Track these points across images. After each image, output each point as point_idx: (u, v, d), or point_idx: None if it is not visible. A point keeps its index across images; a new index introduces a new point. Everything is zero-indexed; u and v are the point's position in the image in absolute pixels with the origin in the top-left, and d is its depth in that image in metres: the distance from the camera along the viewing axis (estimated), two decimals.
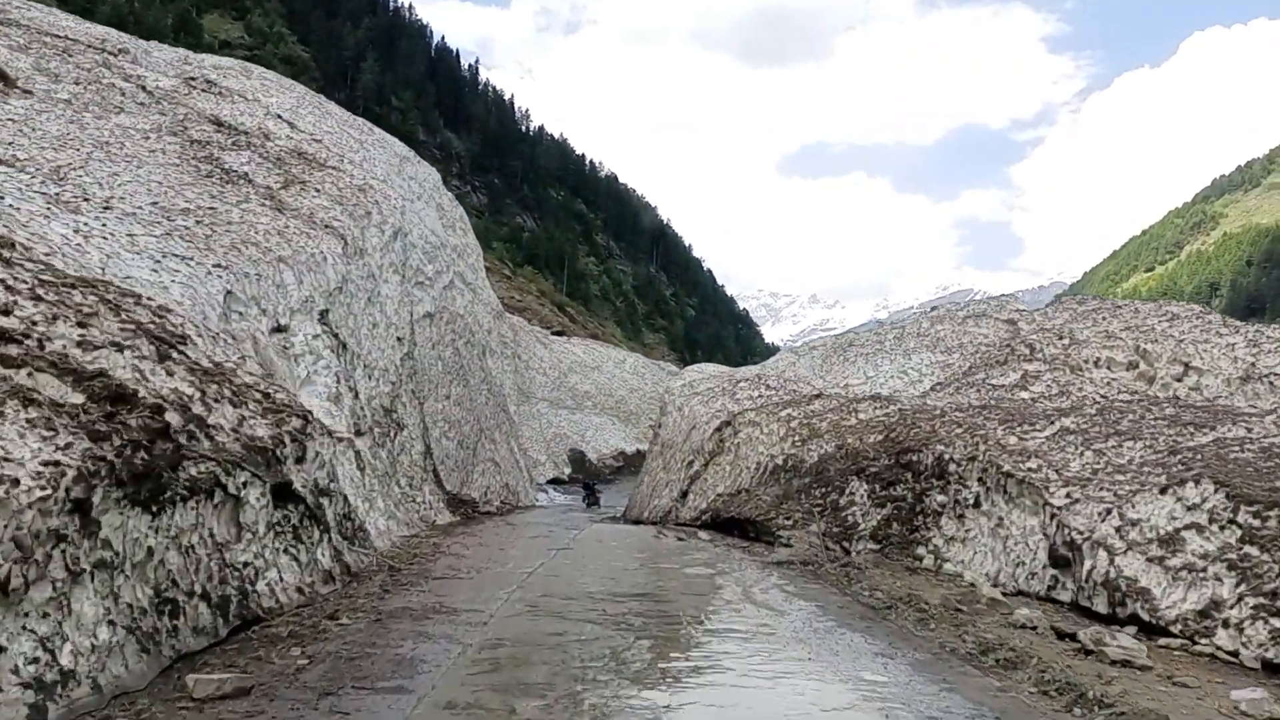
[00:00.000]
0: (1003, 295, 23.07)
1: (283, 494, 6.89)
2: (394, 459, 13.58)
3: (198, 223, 10.92)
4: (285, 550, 6.89)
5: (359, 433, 11.58)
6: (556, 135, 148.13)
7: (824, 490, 12.97)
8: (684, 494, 19.57)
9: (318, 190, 14.40)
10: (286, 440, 6.97)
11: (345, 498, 8.52)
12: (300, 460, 7.19)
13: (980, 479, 9.77)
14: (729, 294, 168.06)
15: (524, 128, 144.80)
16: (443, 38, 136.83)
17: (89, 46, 17.41)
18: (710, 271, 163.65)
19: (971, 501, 9.79)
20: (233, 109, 18.61)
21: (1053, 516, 8.60)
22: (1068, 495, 8.69)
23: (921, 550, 10.13)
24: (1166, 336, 15.47)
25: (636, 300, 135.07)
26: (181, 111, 16.73)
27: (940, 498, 10.35)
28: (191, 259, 9.33)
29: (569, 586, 8.45)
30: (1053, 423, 10.53)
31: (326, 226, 13.41)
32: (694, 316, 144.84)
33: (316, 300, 11.62)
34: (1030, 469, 9.28)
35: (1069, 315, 18.83)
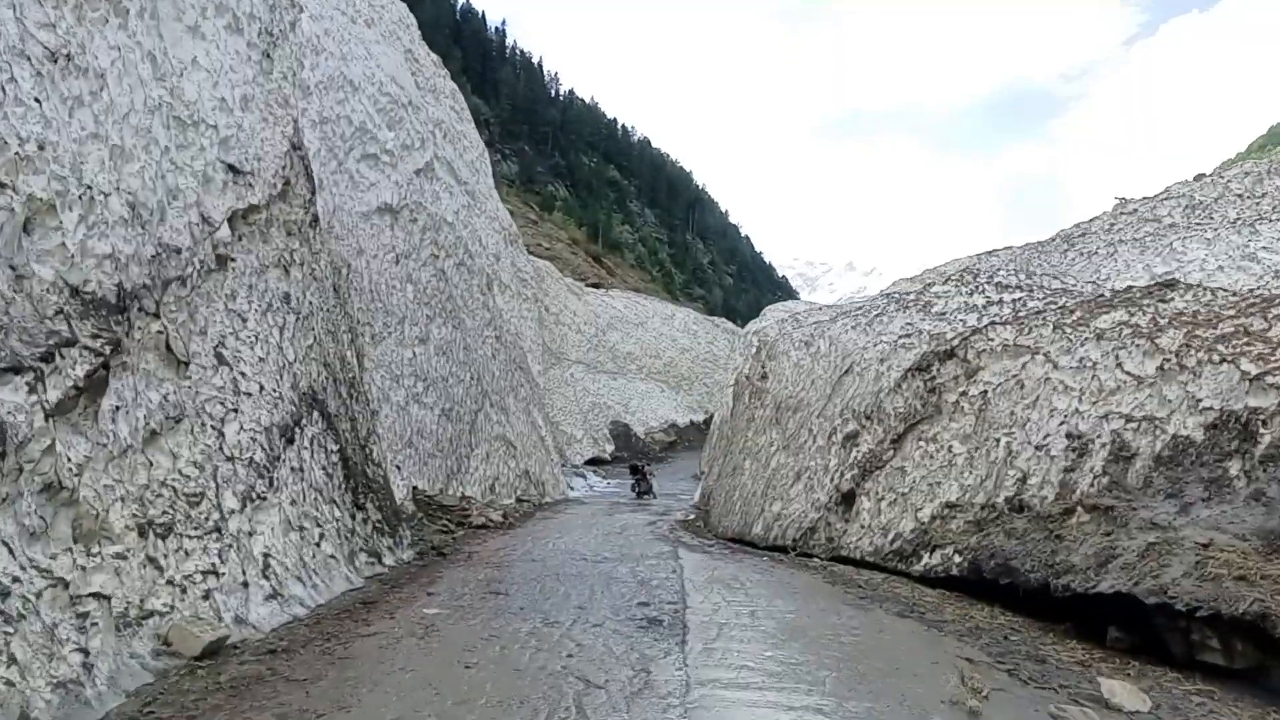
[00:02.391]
0: None
1: None
2: None
3: None
4: None
5: None
6: (588, 100, 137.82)
7: None
8: (846, 498, 9.59)
9: None
10: None
11: None
12: None
13: None
14: (767, 261, 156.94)
15: (554, 92, 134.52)
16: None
17: None
18: (748, 238, 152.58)
19: None
20: None
21: None
22: None
23: None
24: None
25: (673, 268, 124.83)
26: None
27: None
28: None
29: None
30: None
31: None
32: (732, 284, 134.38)
33: None
34: None
35: None
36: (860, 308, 12.00)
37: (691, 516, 17.18)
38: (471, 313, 18.52)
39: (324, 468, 7.68)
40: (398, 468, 12.94)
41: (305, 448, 7.29)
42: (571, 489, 24.84)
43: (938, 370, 8.79)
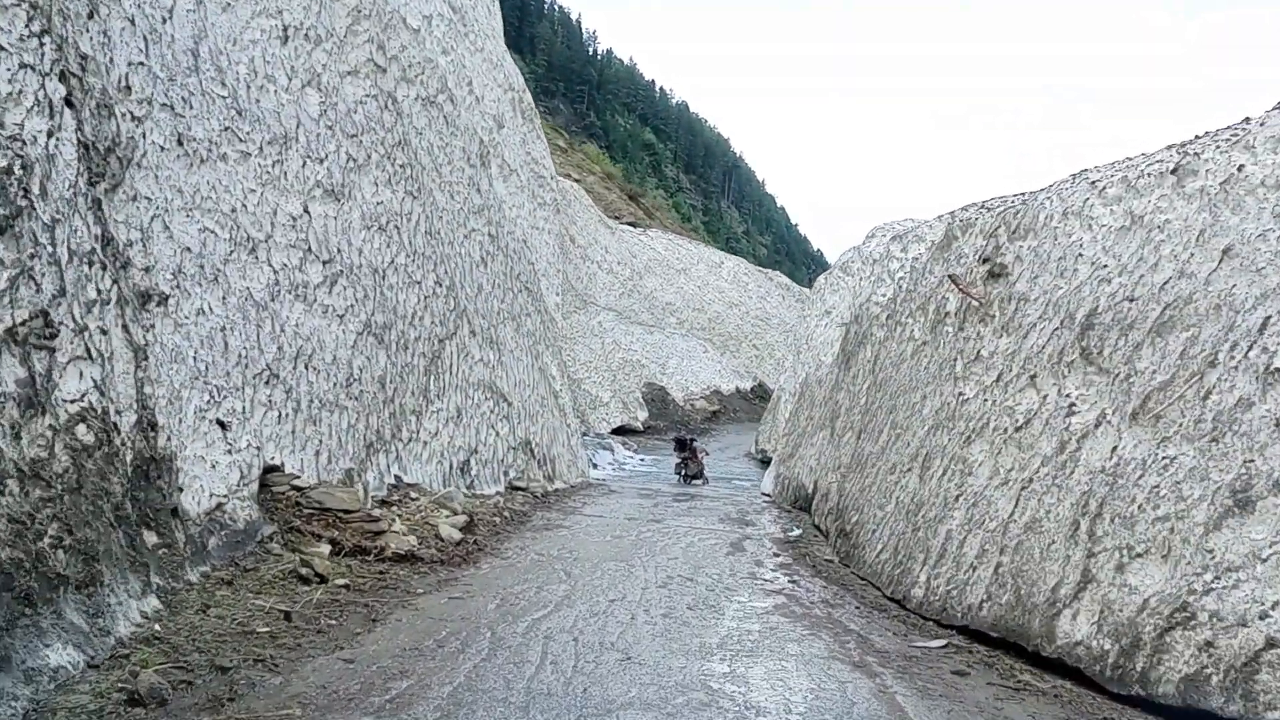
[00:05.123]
0: None
1: None
2: None
3: None
4: None
5: None
6: (626, 60, 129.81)
7: None
8: None
9: None
10: None
11: None
12: None
13: None
14: (803, 234, 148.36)
15: (592, 51, 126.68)
16: None
17: None
18: (784, 209, 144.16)
19: None
20: None
21: None
22: None
23: None
24: None
25: (707, 236, 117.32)
26: None
27: None
28: None
29: None
30: None
31: None
32: (766, 255, 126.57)
33: None
34: None
35: None
36: None
37: (794, 532, 9.84)
38: (449, 186, 11.20)
39: None
40: (220, 424, 5.69)
41: None
42: (594, 466, 17.62)
43: None
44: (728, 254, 39.10)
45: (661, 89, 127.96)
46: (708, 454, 18.37)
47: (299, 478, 6.36)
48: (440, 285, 10.13)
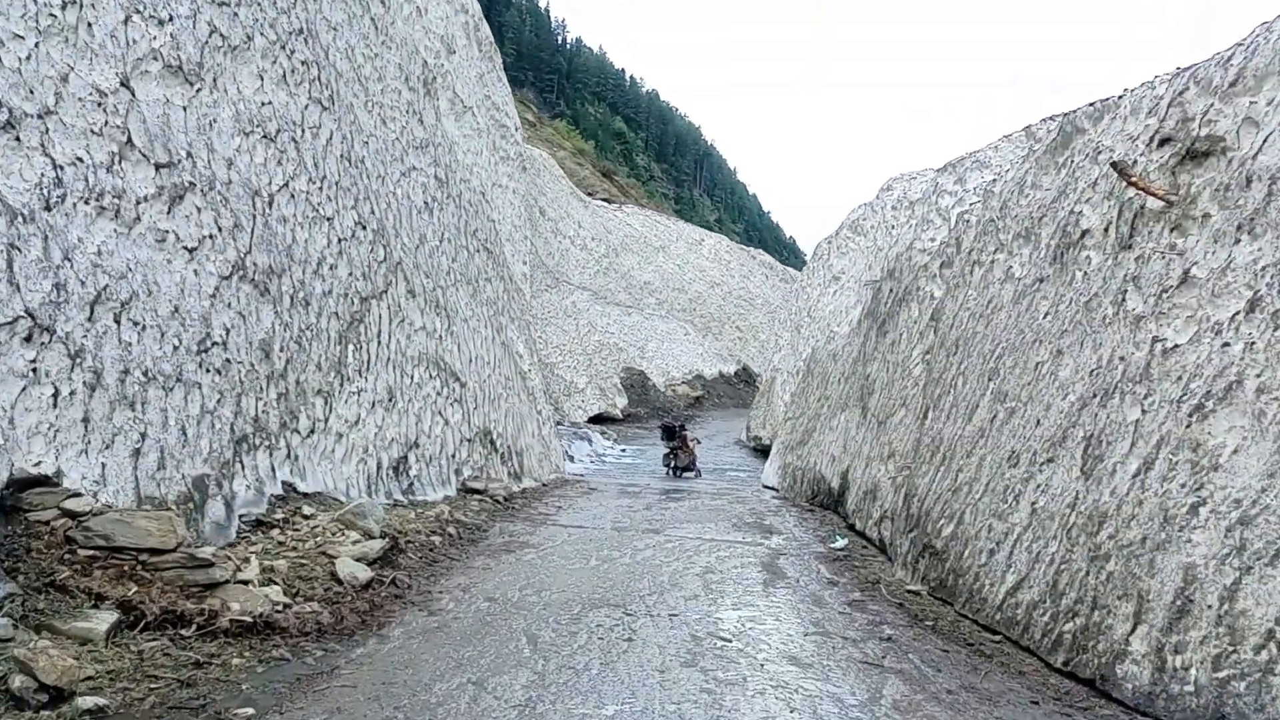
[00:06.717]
0: None
1: None
2: None
3: None
4: None
5: None
6: (595, 49, 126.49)
7: None
8: None
9: None
10: None
11: None
12: None
13: None
14: (775, 221, 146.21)
15: (560, 39, 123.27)
16: None
17: None
18: (756, 196, 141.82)
19: None
20: None
21: None
22: None
23: None
24: None
25: None
26: None
27: None
28: None
29: None
30: None
31: None
32: (740, 242, 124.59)
33: None
34: None
35: None
36: None
37: (838, 543, 7.40)
38: (379, 108, 8.60)
39: None
40: None
41: None
42: (570, 459, 15.10)
43: None
44: (708, 231, 36.68)
45: (632, 77, 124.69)
46: (699, 443, 15.93)
47: (83, 495, 3.78)
48: (364, 228, 7.53)
